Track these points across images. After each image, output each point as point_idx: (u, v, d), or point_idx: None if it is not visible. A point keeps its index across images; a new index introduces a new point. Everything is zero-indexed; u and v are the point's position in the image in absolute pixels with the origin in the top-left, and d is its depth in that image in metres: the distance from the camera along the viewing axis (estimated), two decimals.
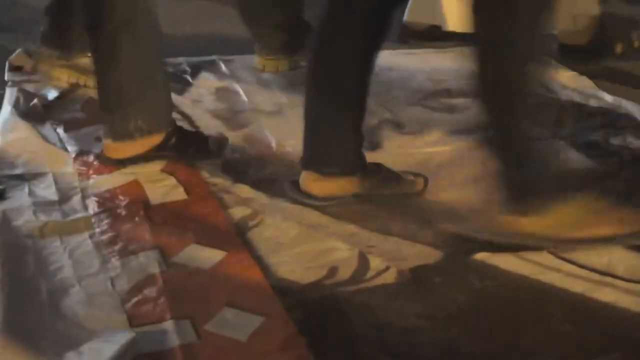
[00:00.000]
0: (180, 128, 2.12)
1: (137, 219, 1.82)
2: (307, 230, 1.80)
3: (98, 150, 2.10)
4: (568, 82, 2.77)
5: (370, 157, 1.98)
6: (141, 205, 1.87)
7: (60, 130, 2.26)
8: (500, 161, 1.71)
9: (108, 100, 2.03)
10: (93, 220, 1.82)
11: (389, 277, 1.63)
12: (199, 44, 3.06)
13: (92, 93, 2.23)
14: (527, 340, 1.46)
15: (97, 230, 1.77)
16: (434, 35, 3.00)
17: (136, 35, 1.95)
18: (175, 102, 2.51)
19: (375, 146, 2.22)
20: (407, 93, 2.65)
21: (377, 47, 1.83)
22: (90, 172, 2.04)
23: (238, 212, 1.86)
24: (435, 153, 2.19)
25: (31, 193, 1.93)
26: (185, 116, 2.42)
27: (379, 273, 1.64)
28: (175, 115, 2.40)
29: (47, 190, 1.94)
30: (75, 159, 2.10)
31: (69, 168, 2.06)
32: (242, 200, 1.92)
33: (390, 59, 2.93)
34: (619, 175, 2.09)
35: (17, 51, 2.66)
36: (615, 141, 2.28)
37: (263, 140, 2.26)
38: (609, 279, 1.62)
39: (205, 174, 2.04)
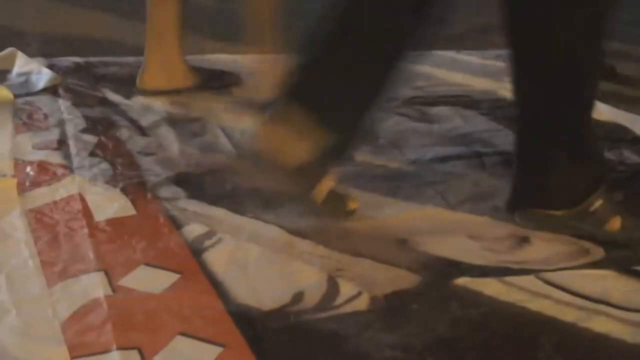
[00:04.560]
0: None
1: (79, 236, 1.81)
2: (270, 251, 1.80)
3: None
4: None
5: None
6: (84, 222, 1.86)
7: None
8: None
9: None
10: (32, 238, 1.81)
11: (361, 303, 1.63)
12: None
13: None
14: None
15: (36, 249, 1.76)
16: None
17: None
18: (123, 106, 2.53)
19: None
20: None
21: None
22: (28, 183, 2.03)
23: (193, 231, 1.86)
24: (412, 167, 2.23)
25: None
26: (133, 122, 2.42)
27: (350, 299, 1.64)
28: (122, 121, 2.42)
29: None
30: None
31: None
32: (198, 217, 1.92)
33: None
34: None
35: None
36: (610, 156, 2.32)
37: (222, 149, 2.27)
38: (602, 307, 1.64)
39: (155, 188, 2.04)
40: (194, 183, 2.08)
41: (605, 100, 2.59)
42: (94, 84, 2.71)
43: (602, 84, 1.93)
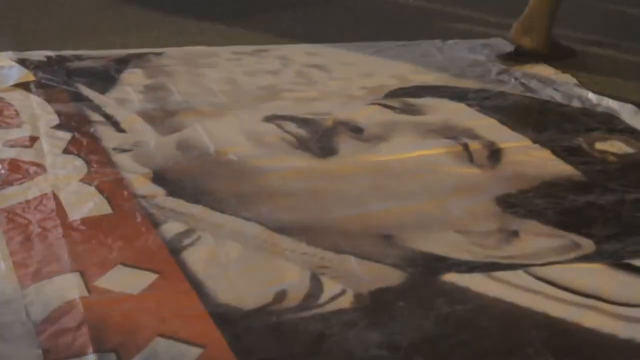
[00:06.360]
0: None
1: (53, 236, 1.81)
2: (251, 248, 1.81)
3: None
4: (548, 80, 2.83)
5: (323, 165, 1.99)
6: (58, 221, 1.86)
7: None
8: None
9: None
10: (3, 238, 1.81)
11: (345, 301, 1.65)
12: (125, 35, 3.07)
13: None
14: None
15: (8, 250, 1.76)
16: None
17: None
18: (98, 102, 2.52)
19: (329, 152, 2.25)
20: (366, 91, 2.68)
21: None
22: None
23: (171, 229, 1.87)
24: (398, 161, 2.24)
25: None
26: (109, 117, 2.42)
27: (334, 297, 1.66)
28: (97, 117, 2.41)
29: None
30: None
31: None
32: (176, 215, 1.93)
33: (349, 53, 2.97)
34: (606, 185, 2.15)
35: None
36: (601, 146, 2.34)
37: (200, 145, 2.27)
38: (593, 302, 1.67)
39: (132, 185, 2.04)
40: (172, 180, 2.08)
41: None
42: (67, 79, 2.70)
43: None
